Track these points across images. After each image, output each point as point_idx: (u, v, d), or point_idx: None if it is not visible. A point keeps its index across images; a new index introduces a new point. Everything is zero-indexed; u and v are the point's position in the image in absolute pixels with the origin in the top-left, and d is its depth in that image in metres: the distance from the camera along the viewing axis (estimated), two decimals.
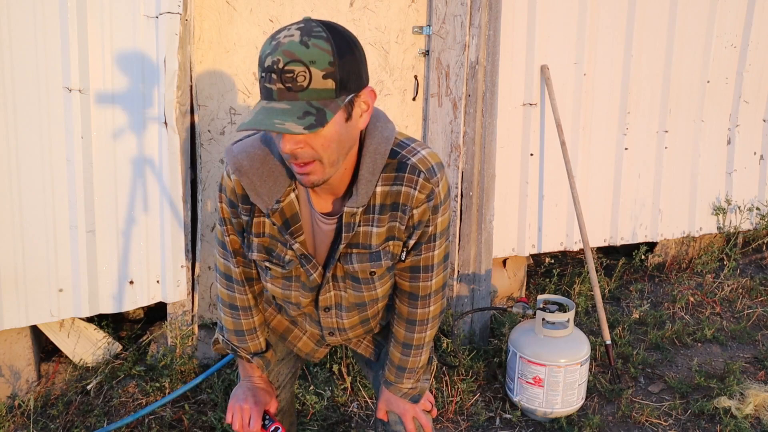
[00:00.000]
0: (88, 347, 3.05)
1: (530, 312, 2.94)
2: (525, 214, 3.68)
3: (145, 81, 2.75)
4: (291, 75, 1.21)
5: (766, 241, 4.45)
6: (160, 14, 2.70)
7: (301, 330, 1.81)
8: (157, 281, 2.92)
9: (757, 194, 4.36)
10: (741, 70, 4.11)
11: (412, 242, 1.52)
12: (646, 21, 3.76)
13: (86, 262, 2.80)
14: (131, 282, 2.89)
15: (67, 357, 3.05)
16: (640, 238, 4.04)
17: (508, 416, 2.93)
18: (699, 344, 3.51)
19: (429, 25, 3.45)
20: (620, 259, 4.23)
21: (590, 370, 3.12)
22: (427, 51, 3.48)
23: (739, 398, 3.00)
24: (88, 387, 2.90)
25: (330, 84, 1.24)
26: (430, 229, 1.50)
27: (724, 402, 2.94)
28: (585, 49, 3.64)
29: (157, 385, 2.82)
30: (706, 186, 4.18)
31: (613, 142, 3.85)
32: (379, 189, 1.44)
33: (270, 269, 1.55)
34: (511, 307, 3.02)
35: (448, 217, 1.54)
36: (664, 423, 2.90)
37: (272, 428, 1.69)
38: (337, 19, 3.26)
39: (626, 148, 3.88)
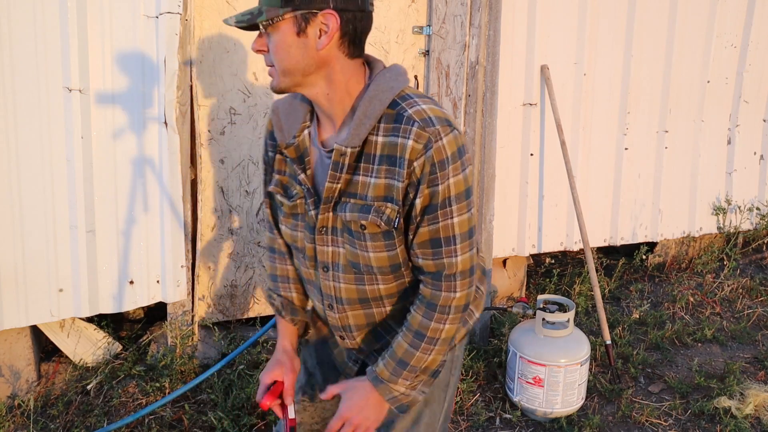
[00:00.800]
0: (88, 347, 3.05)
1: (530, 312, 2.94)
2: (525, 214, 3.68)
3: (145, 81, 2.75)
4: None
5: (766, 241, 4.45)
6: (160, 14, 2.70)
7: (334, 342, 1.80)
8: (157, 281, 2.93)
9: (757, 194, 4.36)
10: (741, 70, 4.11)
11: (419, 202, 1.44)
12: (646, 21, 3.76)
13: (86, 262, 2.80)
14: (131, 282, 2.89)
15: (67, 357, 3.05)
16: (640, 238, 4.04)
17: (508, 416, 2.93)
18: (699, 344, 3.51)
19: (429, 25, 3.45)
20: (620, 259, 4.23)
21: (590, 370, 3.12)
22: (427, 51, 3.48)
23: (739, 398, 3.00)
24: (88, 387, 2.90)
25: None
26: (441, 188, 1.42)
27: (724, 402, 2.94)
28: (585, 49, 3.64)
29: (157, 385, 2.82)
30: (706, 186, 4.18)
31: (613, 142, 3.85)
32: (380, 139, 1.44)
33: (282, 204, 1.62)
34: (511, 307, 3.02)
35: (465, 181, 1.46)
36: (664, 423, 2.90)
37: (286, 414, 1.67)
38: None
39: (626, 148, 3.88)
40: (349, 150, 1.43)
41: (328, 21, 1.38)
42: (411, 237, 1.50)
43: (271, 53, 1.43)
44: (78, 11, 2.61)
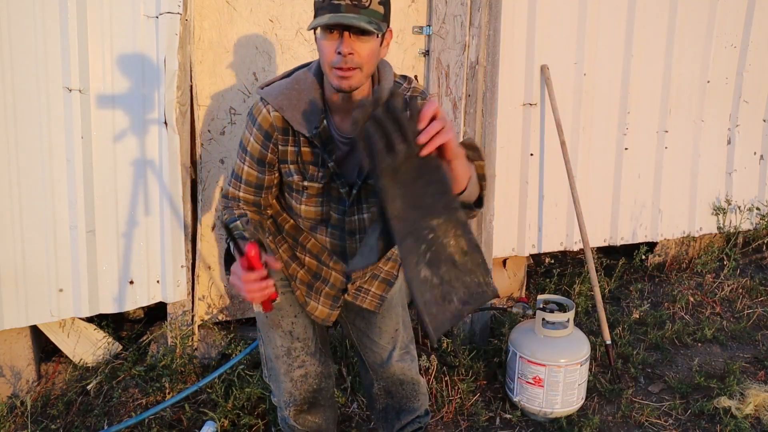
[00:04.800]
0: (88, 347, 3.05)
1: (530, 312, 2.94)
2: (525, 214, 3.68)
3: (145, 81, 2.75)
4: None
5: (766, 241, 4.45)
6: (160, 14, 2.70)
7: (316, 299, 2.04)
8: (157, 281, 2.93)
9: (757, 194, 4.36)
10: (741, 70, 4.11)
11: None
12: (646, 21, 3.76)
13: (86, 262, 2.80)
14: (131, 282, 2.89)
15: (67, 357, 3.05)
16: (640, 238, 4.04)
17: (508, 416, 2.93)
18: (699, 344, 3.51)
19: (429, 25, 3.45)
20: (620, 259, 4.23)
21: (590, 370, 3.12)
22: (427, 51, 3.48)
23: (739, 398, 3.00)
24: (88, 387, 2.90)
25: (381, 9, 1.64)
26: None
27: (724, 402, 2.94)
28: (585, 49, 3.64)
29: (158, 385, 2.82)
30: (706, 186, 4.18)
31: (613, 142, 3.85)
32: None
33: (307, 188, 1.83)
34: (511, 307, 3.03)
35: None
36: (664, 423, 2.90)
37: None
38: None
39: (626, 148, 3.88)
40: None
41: (389, 36, 1.73)
42: None
43: (363, 57, 1.64)
44: (78, 11, 2.61)
